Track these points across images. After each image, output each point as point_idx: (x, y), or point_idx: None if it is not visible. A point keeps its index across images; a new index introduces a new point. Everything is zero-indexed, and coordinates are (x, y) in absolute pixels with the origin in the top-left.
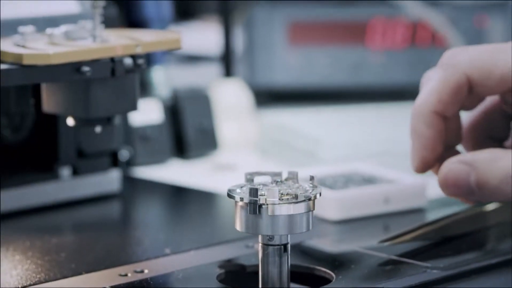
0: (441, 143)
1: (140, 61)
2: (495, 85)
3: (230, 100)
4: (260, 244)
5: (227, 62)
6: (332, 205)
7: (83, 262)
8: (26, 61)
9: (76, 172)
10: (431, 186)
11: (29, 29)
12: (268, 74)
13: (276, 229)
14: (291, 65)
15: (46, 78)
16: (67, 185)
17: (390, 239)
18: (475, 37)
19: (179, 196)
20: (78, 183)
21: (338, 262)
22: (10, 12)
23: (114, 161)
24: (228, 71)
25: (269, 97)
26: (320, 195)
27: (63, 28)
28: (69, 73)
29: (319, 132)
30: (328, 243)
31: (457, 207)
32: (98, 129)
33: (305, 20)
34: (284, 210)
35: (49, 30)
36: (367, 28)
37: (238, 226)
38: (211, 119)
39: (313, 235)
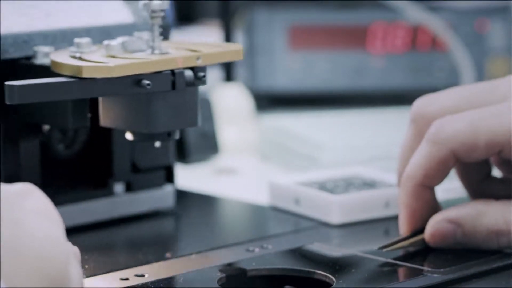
0: (429, 211)
1: (201, 73)
2: (480, 154)
3: (230, 104)
4: None
5: (227, 66)
6: (332, 209)
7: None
8: (85, 74)
9: (129, 188)
10: None
11: (85, 40)
12: (269, 78)
13: None
14: (291, 69)
15: (106, 91)
16: (121, 201)
17: (389, 245)
18: (476, 41)
19: (180, 200)
20: (132, 199)
21: (339, 266)
22: (62, 22)
23: (169, 177)
24: (229, 75)
25: (269, 101)
26: None
27: (119, 39)
28: (129, 86)
29: (319, 136)
30: (328, 247)
31: None
32: (157, 144)
33: (306, 24)
34: None
35: (105, 42)
36: (368, 32)
37: None
38: (212, 123)
39: (314, 239)
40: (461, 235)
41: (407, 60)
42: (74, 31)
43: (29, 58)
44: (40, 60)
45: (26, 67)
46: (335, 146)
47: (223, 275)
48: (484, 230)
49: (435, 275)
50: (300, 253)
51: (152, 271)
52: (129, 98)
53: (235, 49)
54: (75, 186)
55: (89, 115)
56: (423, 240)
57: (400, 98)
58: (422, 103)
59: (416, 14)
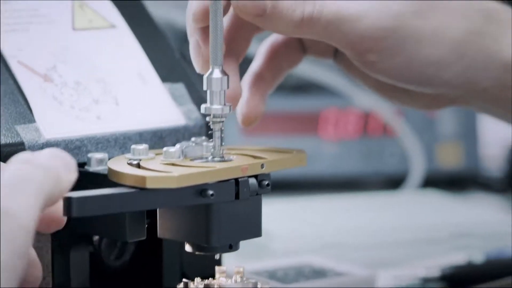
0: None
1: (265, 182)
2: None
3: None
4: None
5: None
6: None
7: None
8: (149, 185)
9: None
10: (381, 278)
11: (142, 146)
12: None
13: None
14: None
15: (169, 202)
16: None
17: None
18: (426, 126)
19: None
20: None
21: None
22: (114, 125)
23: None
24: None
25: None
26: None
27: (178, 145)
28: (192, 196)
29: (270, 224)
30: None
31: None
32: (217, 256)
33: None
34: None
35: (164, 148)
36: (320, 118)
37: None
38: None
39: None
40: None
41: (359, 145)
42: (126, 135)
43: (82, 164)
44: (94, 168)
45: (80, 175)
46: (286, 234)
47: None
48: None
49: None
50: None
51: None
52: (188, 207)
53: (300, 155)
54: None
55: (146, 226)
56: None
57: (352, 184)
58: None
59: (367, 101)
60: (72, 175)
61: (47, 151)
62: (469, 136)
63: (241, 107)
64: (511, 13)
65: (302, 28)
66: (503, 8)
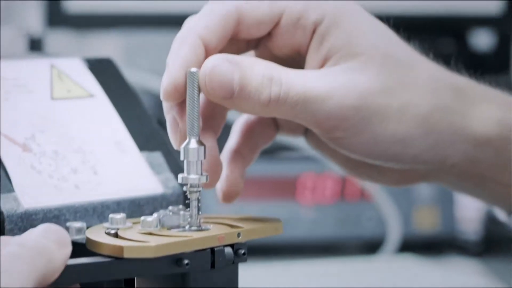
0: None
1: (241, 251)
2: (264, 12)
3: None
4: None
5: None
6: None
7: None
8: (127, 254)
9: None
10: None
11: (119, 216)
12: None
13: None
14: None
15: (145, 272)
16: None
17: None
18: (403, 191)
19: None
20: None
21: None
22: (92, 194)
23: None
24: None
25: None
26: None
27: (155, 215)
28: (168, 265)
29: None
30: None
31: None
32: None
33: None
34: None
35: (142, 217)
36: (297, 183)
37: None
38: None
39: None
40: (239, 77)
41: (336, 210)
42: (104, 204)
43: None
44: (73, 237)
45: None
46: None
47: None
48: (259, 75)
49: None
50: None
51: None
52: (165, 275)
53: (276, 224)
54: None
55: None
56: None
57: (330, 248)
58: None
59: None
60: (66, 250)
61: (40, 228)
62: (445, 200)
63: (220, 185)
64: (479, 88)
65: (269, 108)
66: (471, 83)
